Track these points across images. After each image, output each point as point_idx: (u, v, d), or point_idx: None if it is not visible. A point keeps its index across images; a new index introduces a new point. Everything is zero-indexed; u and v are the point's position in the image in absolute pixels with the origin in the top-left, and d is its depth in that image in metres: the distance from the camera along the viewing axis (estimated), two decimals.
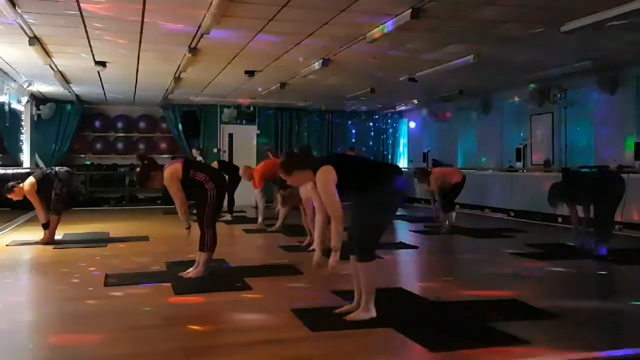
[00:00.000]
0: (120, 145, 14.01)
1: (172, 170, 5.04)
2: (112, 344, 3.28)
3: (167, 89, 11.27)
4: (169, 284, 4.74)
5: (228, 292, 4.53)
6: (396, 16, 6.05)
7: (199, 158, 11.58)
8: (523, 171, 11.04)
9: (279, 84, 10.59)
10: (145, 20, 6.26)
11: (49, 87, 11.24)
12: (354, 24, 6.42)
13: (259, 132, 14.87)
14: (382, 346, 3.22)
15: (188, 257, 5.70)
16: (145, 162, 5.13)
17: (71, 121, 13.33)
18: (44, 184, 7.07)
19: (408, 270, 6.04)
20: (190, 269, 5.13)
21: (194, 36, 6.97)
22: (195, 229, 5.12)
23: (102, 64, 8.51)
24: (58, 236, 7.43)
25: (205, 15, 5.95)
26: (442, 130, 13.99)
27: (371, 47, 7.27)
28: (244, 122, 14.77)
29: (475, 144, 12.80)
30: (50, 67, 8.81)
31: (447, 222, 8.33)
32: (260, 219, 8.91)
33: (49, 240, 7.16)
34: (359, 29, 6.64)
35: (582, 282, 5.23)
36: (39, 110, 12.59)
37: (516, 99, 11.45)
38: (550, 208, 7.22)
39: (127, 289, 4.64)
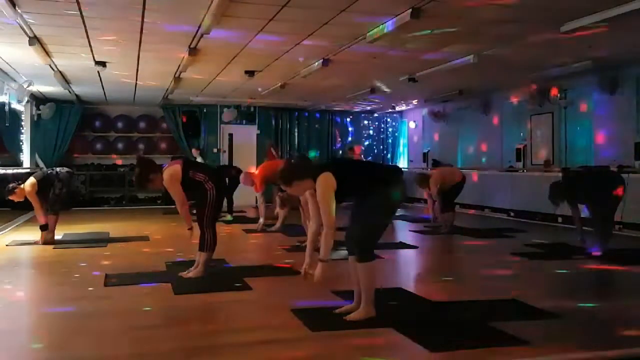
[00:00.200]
0: (120, 146, 14.00)
1: (171, 171, 5.03)
2: (112, 344, 3.28)
3: (167, 89, 11.27)
4: (169, 284, 4.74)
5: (228, 292, 4.53)
6: (396, 16, 6.06)
7: (199, 158, 11.58)
8: (523, 171, 11.04)
9: (279, 84, 10.59)
10: (145, 20, 6.26)
11: (49, 87, 11.23)
12: (354, 24, 6.42)
13: (259, 132, 14.88)
14: (382, 346, 3.22)
15: (188, 257, 5.70)
16: (144, 164, 5.10)
17: (71, 121, 13.32)
18: (44, 185, 7.07)
19: (408, 270, 6.03)
20: (190, 269, 5.13)
21: (194, 36, 6.97)
22: (196, 230, 5.12)
23: (102, 64, 8.51)
24: (58, 236, 7.43)
25: (205, 15, 5.95)
26: (442, 130, 14.00)
27: (371, 47, 7.27)
28: (244, 122, 14.78)
29: (475, 144, 12.81)
30: (50, 67, 8.81)
31: (446, 222, 8.32)
32: (261, 220, 8.91)
33: (49, 240, 7.16)
34: (359, 29, 6.64)
35: (582, 282, 5.23)
36: (39, 110, 12.58)
37: (516, 99, 11.45)
38: (550, 208, 7.23)
39: (127, 289, 4.64)
